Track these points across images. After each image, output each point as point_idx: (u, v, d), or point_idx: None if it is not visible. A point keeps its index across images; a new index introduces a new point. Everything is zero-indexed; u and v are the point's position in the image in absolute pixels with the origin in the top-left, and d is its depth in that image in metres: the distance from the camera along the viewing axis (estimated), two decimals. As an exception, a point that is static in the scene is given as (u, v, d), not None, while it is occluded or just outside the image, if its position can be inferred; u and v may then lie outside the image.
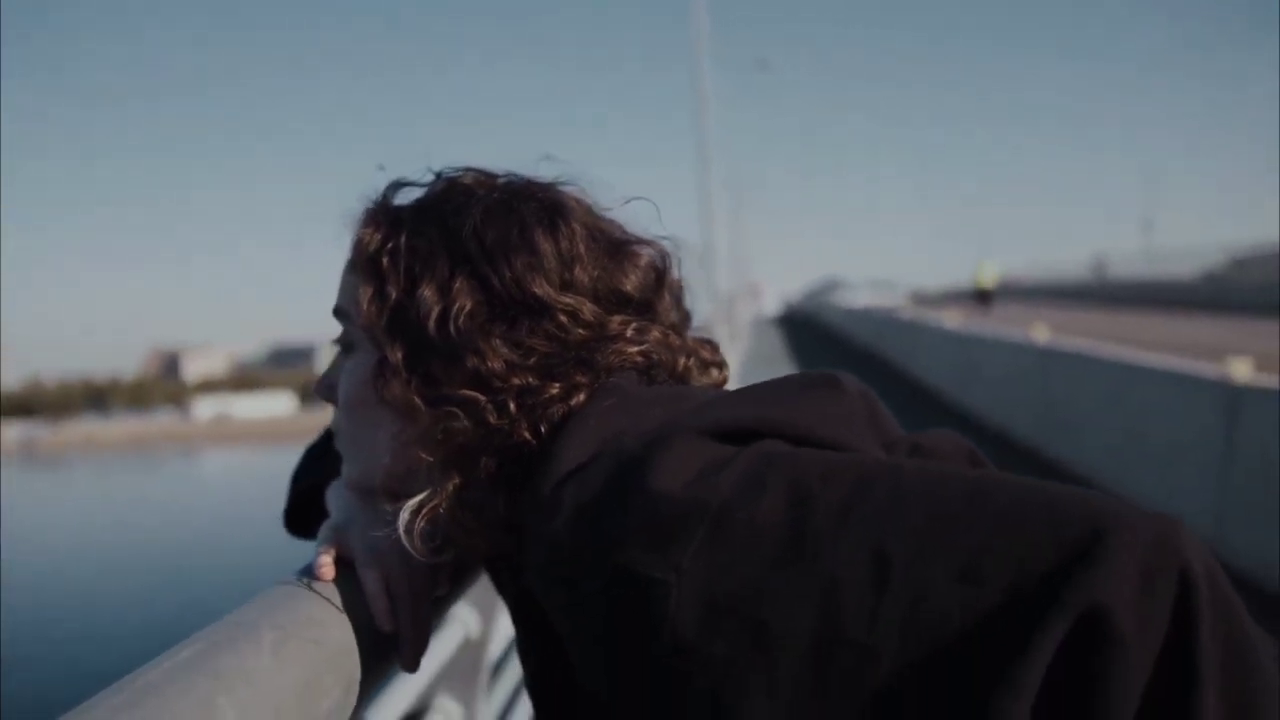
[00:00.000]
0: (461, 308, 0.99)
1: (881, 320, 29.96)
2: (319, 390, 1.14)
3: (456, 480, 0.98)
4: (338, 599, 0.98)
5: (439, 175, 1.10)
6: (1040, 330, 14.14)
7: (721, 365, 1.15)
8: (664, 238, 1.13)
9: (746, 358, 25.75)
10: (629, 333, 1.03)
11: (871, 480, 0.80)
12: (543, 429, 0.96)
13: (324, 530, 1.07)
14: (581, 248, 1.04)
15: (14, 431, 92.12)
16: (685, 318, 1.15)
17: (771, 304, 79.80)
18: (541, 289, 1.01)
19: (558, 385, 0.97)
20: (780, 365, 24.30)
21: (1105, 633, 0.70)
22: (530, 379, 0.98)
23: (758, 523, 0.78)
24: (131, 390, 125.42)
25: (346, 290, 1.08)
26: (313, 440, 1.37)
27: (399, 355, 1.01)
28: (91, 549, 31.78)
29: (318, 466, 1.28)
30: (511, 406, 0.97)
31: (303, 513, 1.28)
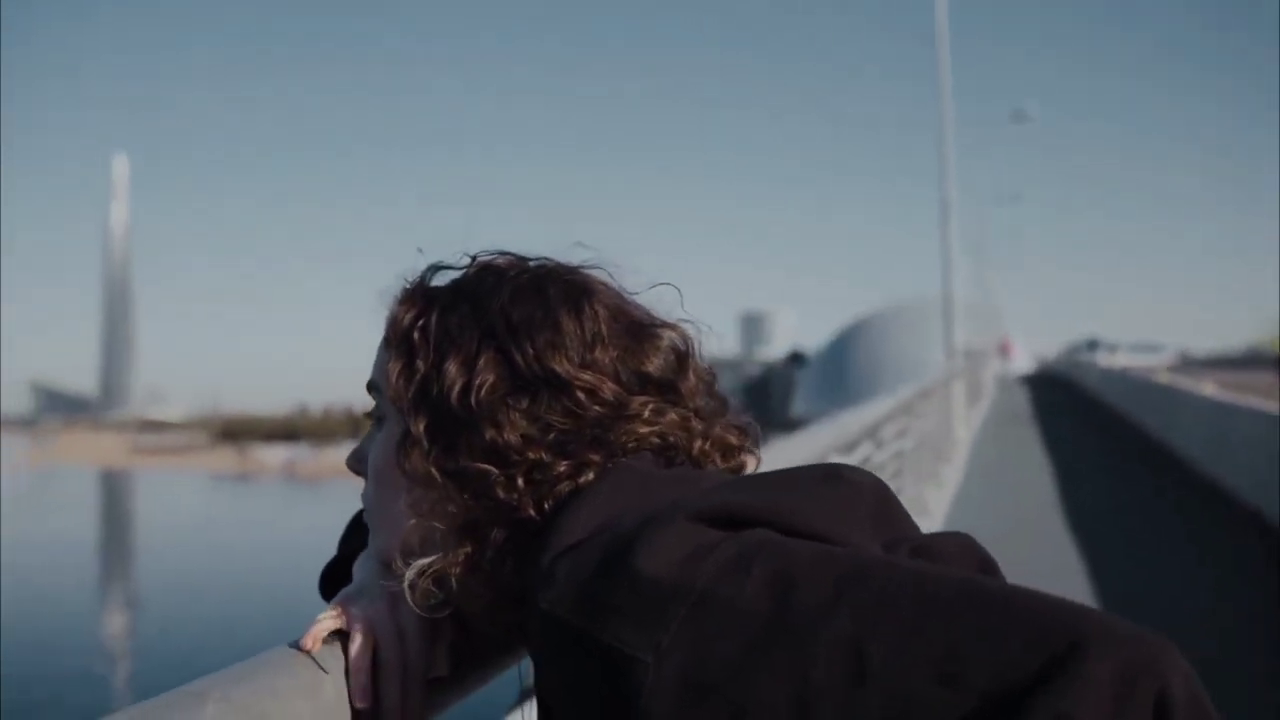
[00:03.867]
0: (484, 381, 1.02)
1: (1134, 384, 28.42)
2: (351, 463, 1.16)
3: (468, 549, 1.01)
4: (323, 670, 0.97)
5: (474, 258, 1.14)
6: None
7: (748, 450, 1.14)
8: (688, 321, 1.14)
9: (989, 416, 24.97)
10: (646, 413, 1.04)
11: (858, 575, 0.81)
12: (547, 505, 0.99)
13: (337, 597, 1.07)
14: (604, 328, 1.07)
15: (280, 453, 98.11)
16: (720, 404, 1.15)
17: (1023, 361, 76.91)
18: (561, 366, 1.03)
19: (566, 463, 1.00)
20: (1022, 427, 23.38)
21: None
22: (544, 455, 1.00)
23: (739, 607, 0.80)
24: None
25: (379, 365, 1.12)
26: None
27: (421, 427, 1.03)
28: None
29: (362, 533, 1.28)
30: (520, 482, 0.99)
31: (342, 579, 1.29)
